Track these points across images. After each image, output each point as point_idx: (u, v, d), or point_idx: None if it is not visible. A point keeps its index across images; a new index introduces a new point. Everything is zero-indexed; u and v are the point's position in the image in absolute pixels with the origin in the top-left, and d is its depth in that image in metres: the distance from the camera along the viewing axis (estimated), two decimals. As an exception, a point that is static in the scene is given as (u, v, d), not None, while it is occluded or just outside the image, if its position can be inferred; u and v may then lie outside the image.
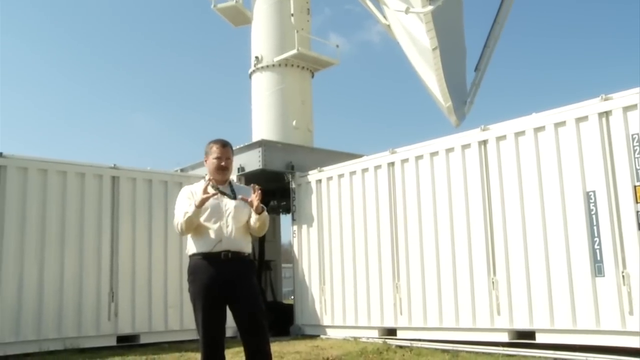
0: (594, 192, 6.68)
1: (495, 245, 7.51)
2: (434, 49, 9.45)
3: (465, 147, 7.97)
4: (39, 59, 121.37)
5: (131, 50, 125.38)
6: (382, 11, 12.23)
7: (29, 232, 8.34)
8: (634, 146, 6.43)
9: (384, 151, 9.05)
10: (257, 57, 13.26)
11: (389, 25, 12.16)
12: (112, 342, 8.81)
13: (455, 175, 8.04)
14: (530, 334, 7.06)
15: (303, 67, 13.27)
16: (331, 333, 9.41)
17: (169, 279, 9.44)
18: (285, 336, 9.62)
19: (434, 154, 8.32)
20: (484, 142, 7.78)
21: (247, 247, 4.26)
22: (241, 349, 4.17)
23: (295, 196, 10.46)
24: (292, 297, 10.75)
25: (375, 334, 8.73)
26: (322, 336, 9.44)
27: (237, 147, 10.82)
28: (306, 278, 10.05)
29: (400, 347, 7.81)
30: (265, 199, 12.24)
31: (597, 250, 6.58)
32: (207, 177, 4.35)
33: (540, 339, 6.96)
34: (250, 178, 10.83)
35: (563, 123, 7.02)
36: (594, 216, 6.65)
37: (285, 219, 13.71)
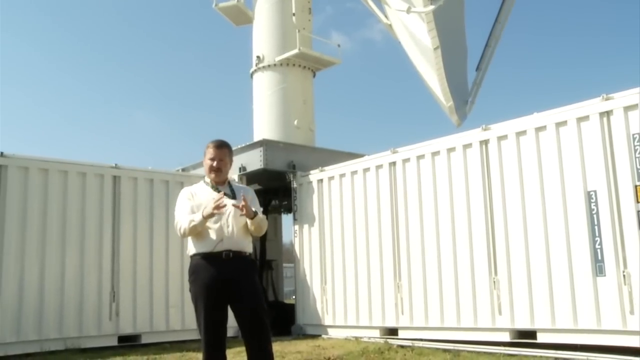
0: (595, 191, 6.68)
1: (496, 244, 7.51)
2: (435, 49, 9.45)
3: (466, 146, 7.97)
4: (40, 57, 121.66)
5: (133, 49, 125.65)
6: (384, 10, 12.24)
7: (30, 232, 8.34)
8: (634, 146, 6.43)
9: (386, 151, 9.05)
10: (258, 57, 13.25)
11: (390, 25, 12.17)
12: (114, 342, 8.80)
13: (456, 174, 8.03)
14: (532, 334, 7.06)
15: (305, 67, 13.25)
16: (332, 333, 9.41)
17: (171, 278, 9.44)
18: (287, 336, 9.62)
19: (435, 154, 8.32)
20: (485, 142, 7.77)
21: (248, 247, 4.27)
22: (242, 348, 4.17)
23: (297, 196, 10.45)
24: (294, 296, 10.76)
25: (376, 333, 8.73)
26: (323, 336, 9.44)
27: (239, 146, 10.83)
28: (307, 278, 10.05)
29: (402, 346, 7.81)
30: (266, 199, 12.28)
31: (598, 250, 6.58)
32: (205, 178, 4.38)
33: (541, 338, 6.96)
34: (251, 177, 10.85)
35: (564, 123, 7.03)
36: (594, 216, 6.65)
37: (286, 219, 13.77)
